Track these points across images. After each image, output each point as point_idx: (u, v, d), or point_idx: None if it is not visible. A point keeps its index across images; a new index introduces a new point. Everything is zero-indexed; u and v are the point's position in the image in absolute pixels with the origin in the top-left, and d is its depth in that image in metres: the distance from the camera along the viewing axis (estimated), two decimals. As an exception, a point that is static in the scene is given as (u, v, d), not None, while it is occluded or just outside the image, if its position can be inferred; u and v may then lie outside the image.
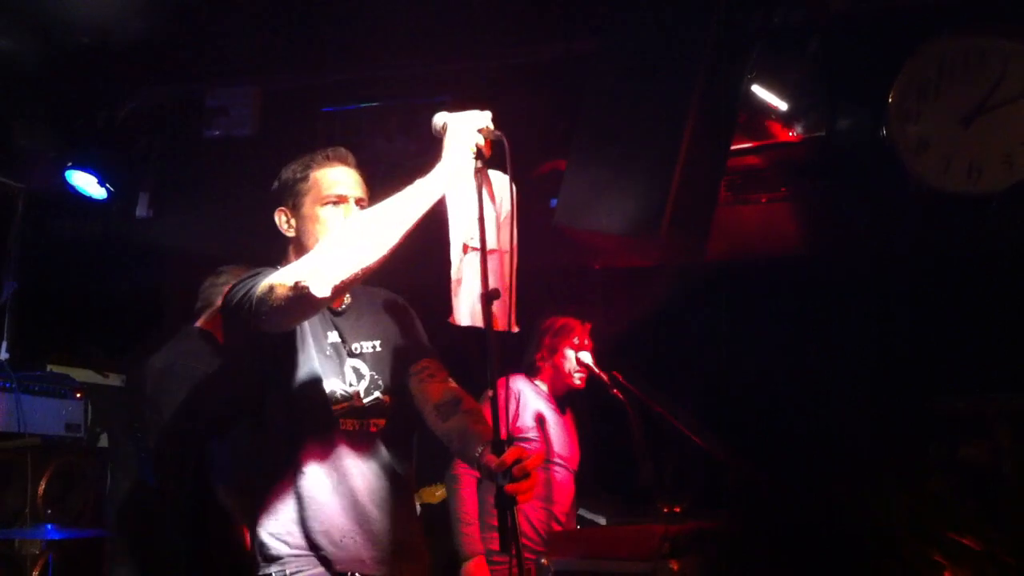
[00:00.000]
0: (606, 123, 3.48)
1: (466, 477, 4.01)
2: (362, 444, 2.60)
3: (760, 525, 3.79)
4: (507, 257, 2.45)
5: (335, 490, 2.55)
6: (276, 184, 2.70)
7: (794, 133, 4.20)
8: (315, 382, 2.57)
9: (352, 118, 4.74)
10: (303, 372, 2.56)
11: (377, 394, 2.67)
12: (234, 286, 2.50)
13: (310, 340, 2.60)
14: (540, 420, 4.17)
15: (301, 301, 2.30)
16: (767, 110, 4.08)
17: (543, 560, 3.60)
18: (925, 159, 3.73)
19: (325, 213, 2.62)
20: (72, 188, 4.91)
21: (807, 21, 3.79)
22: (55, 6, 4.21)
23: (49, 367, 4.92)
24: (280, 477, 2.55)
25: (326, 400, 2.57)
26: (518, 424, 4.12)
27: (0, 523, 4.23)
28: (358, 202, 2.65)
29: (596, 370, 4.14)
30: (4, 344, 4.90)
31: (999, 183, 3.63)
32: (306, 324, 2.60)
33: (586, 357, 4.21)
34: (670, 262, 4.11)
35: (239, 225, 4.97)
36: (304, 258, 2.41)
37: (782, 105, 4.07)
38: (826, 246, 4.27)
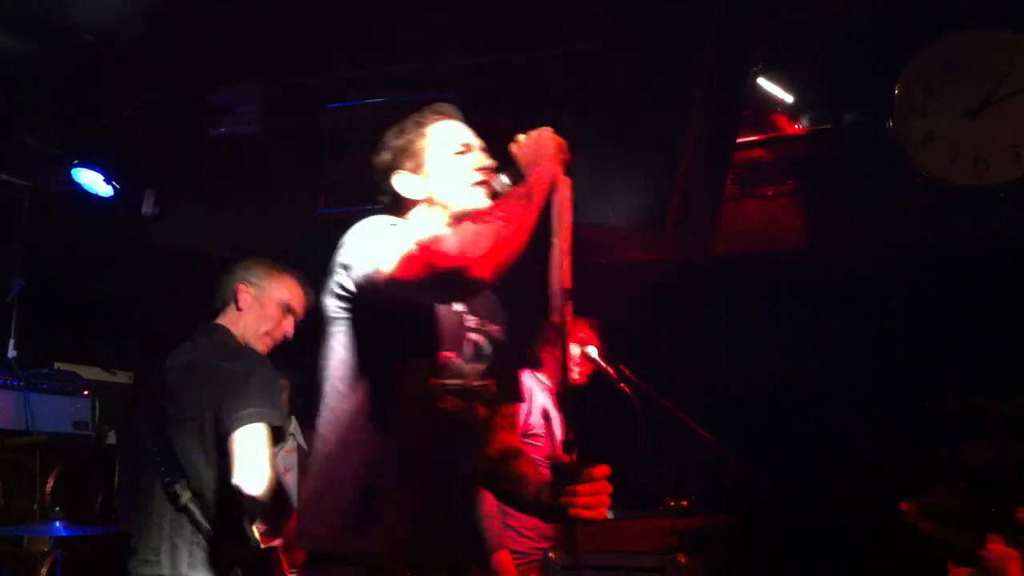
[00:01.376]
0: (612, 120, 3.49)
1: None
2: (465, 427, 2.38)
3: (761, 523, 3.80)
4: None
5: (425, 474, 2.29)
6: (386, 153, 2.53)
7: (800, 126, 4.20)
8: (428, 348, 2.33)
9: (357, 114, 4.74)
10: (415, 333, 2.31)
11: (492, 379, 2.45)
12: (356, 239, 2.26)
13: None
14: (546, 416, 4.18)
15: (460, 280, 2.09)
16: (773, 103, 4.08)
17: (550, 554, 3.60)
18: (931, 152, 3.73)
19: (456, 162, 2.48)
20: (78, 186, 4.91)
21: (809, 19, 3.79)
22: (59, 6, 4.22)
23: (56, 365, 4.93)
24: (362, 454, 2.27)
25: (437, 370, 2.33)
26: (530, 421, 4.13)
27: (9, 521, 4.24)
28: (482, 149, 2.52)
29: (602, 364, 4.14)
30: (11, 342, 4.91)
31: (1006, 175, 3.64)
32: None
33: (592, 351, 4.22)
34: (676, 258, 4.11)
35: (245, 222, 5.00)
36: (462, 230, 2.16)
37: (788, 98, 4.07)
38: (827, 244, 4.27)
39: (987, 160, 3.66)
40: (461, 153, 2.50)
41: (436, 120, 2.54)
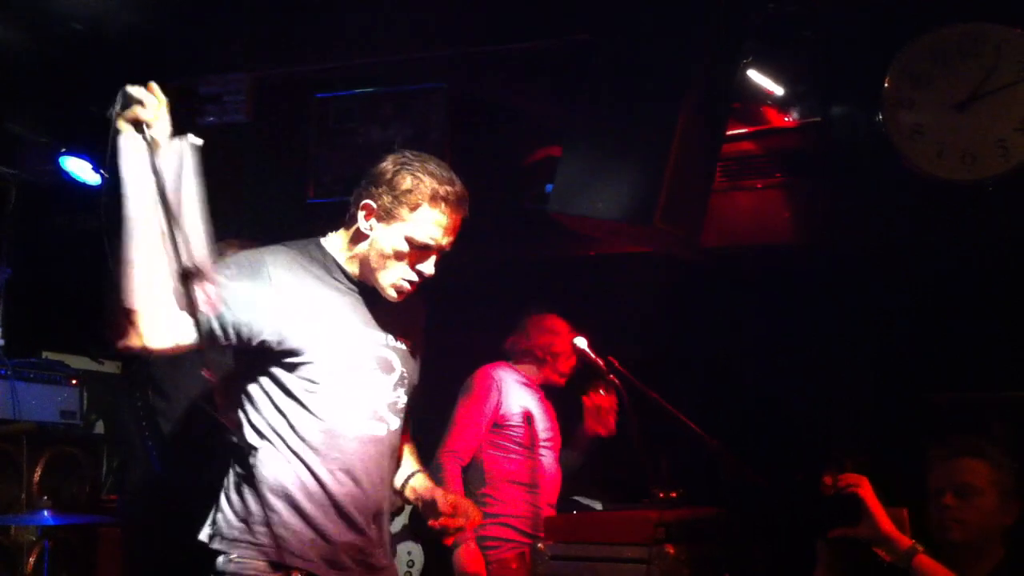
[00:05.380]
0: (601, 110, 3.48)
1: (450, 465, 4.03)
2: (374, 445, 2.49)
3: (751, 516, 3.80)
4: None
5: (329, 490, 2.42)
6: (379, 173, 2.47)
7: (789, 119, 4.20)
8: (340, 369, 2.43)
9: (346, 104, 4.73)
10: (324, 354, 2.41)
11: (402, 392, 2.56)
12: None
13: (338, 319, 2.45)
14: (527, 414, 4.19)
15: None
16: (763, 95, 4.08)
17: (539, 545, 3.61)
18: (919, 146, 3.73)
19: (405, 253, 2.45)
20: (66, 174, 4.90)
21: (800, 11, 3.79)
22: (48, -6, 4.20)
23: (44, 354, 4.92)
24: (270, 467, 2.41)
25: (347, 390, 2.44)
26: (502, 412, 4.15)
27: (-4, 510, 4.24)
28: (438, 251, 2.49)
29: (592, 355, 4.14)
30: (-2, 331, 4.89)
31: (993, 169, 3.64)
32: (331, 300, 2.46)
33: (581, 342, 4.22)
34: (664, 250, 4.11)
35: (233, 211, 4.97)
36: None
37: (778, 90, 4.07)
38: (816, 237, 4.27)
39: (974, 154, 3.66)
40: (419, 249, 2.46)
41: (439, 206, 2.45)
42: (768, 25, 3.84)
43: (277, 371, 2.41)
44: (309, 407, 2.41)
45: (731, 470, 3.66)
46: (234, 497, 2.43)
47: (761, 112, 4.20)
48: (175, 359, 3.15)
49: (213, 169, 5.09)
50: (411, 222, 2.43)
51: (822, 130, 4.10)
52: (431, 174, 2.45)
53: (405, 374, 2.57)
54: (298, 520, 2.38)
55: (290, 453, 2.41)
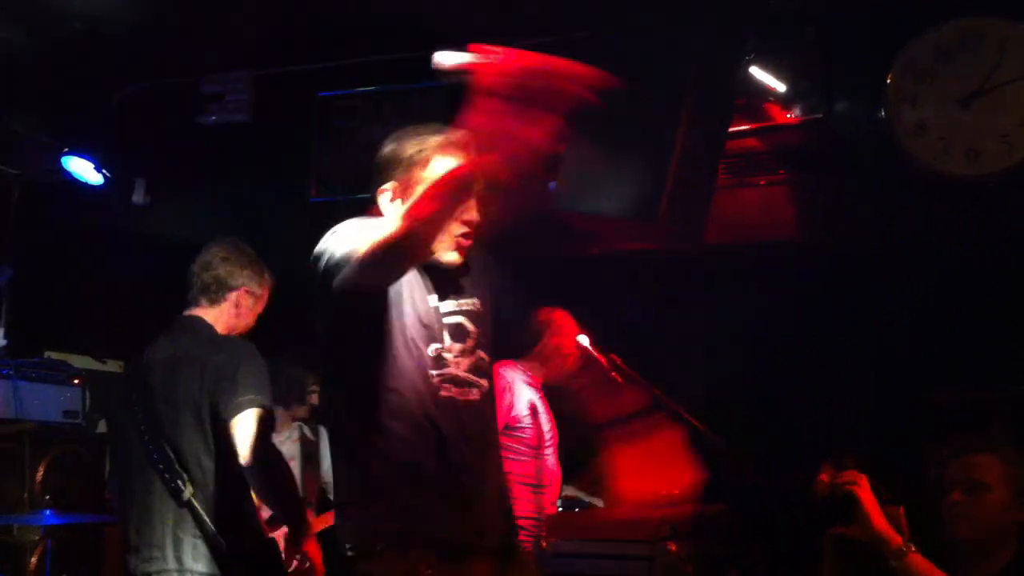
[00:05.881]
0: (605, 107, 3.47)
1: None
2: (465, 413, 2.45)
3: (754, 513, 3.81)
4: None
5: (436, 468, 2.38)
6: (383, 159, 2.50)
7: (792, 115, 4.19)
8: (414, 342, 2.40)
9: (348, 103, 4.73)
10: (398, 331, 2.39)
11: (480, 353, 2.51)
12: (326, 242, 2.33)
13: (406, 296, 2.43)
14: (533, 409, 4.20)
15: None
16: (766, 92, 4.07)
17: (542, 543, 3.62)
18: (923, 142, 3.73)
19: None
20: (68, 174, 4.90)
21: (802, 7, 3.79)
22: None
23: (47, 353, 4.92)
24: (371, 454, 2.36)
25: (426, 362, 2.41)
26: (513, 414, 4.15)
27: (-2, 510, 4.24)
28: (478, 195, 2.46)
29: (594, 353, 4.15)
30: (1, 331, 4.89)
31: (997, 165, 3.63)
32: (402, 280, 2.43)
33: (583, 340, 4.22)
34: (668, 247, 4.11)
35: (235, 210, 4.98)
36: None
37: (780, 87, 4.06)
38: (820, 233, 4.26)
39: (978, 150, 3.65)
40: None
41: (445, 151, 2.44)
42: (770, 21, 3.83)
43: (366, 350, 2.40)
44: (399, 385, 2.38)
45: (731, 469, 3.66)
46: (351, 488, 2.42)
47: (764, 108, 4.19)
48: (176, 365, 3.16)
49: (216, 168, 5.12)
50: (431, 177, 2.41)
51: (825, 126, 4.09)
52: (427, 132, 2.48)
53: (479, 334, 2.53)
54: (420, 499, 2.35)
55: (388, 437, 2.36)
